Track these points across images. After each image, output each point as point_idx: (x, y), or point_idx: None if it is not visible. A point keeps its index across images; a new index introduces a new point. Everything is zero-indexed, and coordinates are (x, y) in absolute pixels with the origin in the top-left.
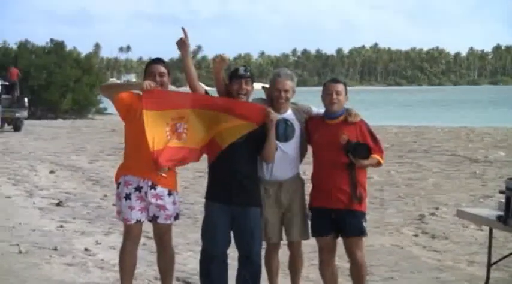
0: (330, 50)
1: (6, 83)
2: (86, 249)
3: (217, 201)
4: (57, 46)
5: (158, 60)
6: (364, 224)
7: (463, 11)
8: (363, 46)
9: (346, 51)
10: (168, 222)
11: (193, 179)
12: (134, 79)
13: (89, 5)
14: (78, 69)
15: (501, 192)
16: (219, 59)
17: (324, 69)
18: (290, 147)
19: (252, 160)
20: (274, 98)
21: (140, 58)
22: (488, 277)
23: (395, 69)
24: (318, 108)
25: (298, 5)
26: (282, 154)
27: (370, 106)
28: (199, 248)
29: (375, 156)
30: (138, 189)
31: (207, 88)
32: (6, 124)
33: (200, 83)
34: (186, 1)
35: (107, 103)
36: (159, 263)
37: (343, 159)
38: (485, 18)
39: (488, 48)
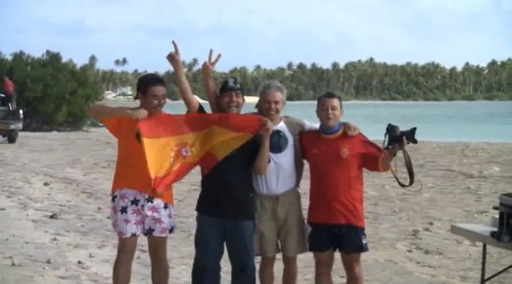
0: (325, 64)
1: (2, 95)
2: (79, 262)
3: (208, 215)
4: (53, 58)
5: (159, 81)
6: (364, 240)
7: (459, 26)
8: (359, 60)
9: (342, 65)
10: (163, 235)
11: (188, 192)
12: (130, 92)
13: (85, 16)
14: (73, 81)
15: (495, 208)
16: (205, 66)
17: (319, 83)
18: (284, 158)
19: (245, 172)
20: (265, 110)
21: (136, 70)
22: None
23: (391, 83)
24: (311, 122)
25: (294, 17)
26: (275, 166)
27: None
28: (193, 261)
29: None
30: (135, 202)
31: (202, 101)
32: (0, 136)
33: (195, 96)
34: (182, 13)
35: None
36: (153, 277)
37: (344, 173)
38: (481, 33)
39: (483, 63)
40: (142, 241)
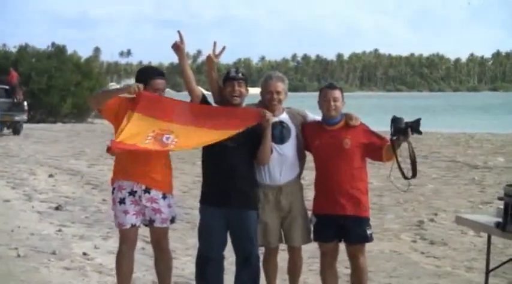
0: (330, 55)
1: (6, 87)
2: (84, 253)
3: (212, 205)
4: (58, 50)
5: (161, 74)
6: (369, 231)
7: (463, 17)
8: (364, 51)
9: (346, 56)
10: (164, 225)
11: (192, 183)
12: None
13: (89, 8)
14: (78, 73)
15: (500, 198)
16: (209, 58)
17: (324, 74)
18: (287, 148)
19: (249, 163)
20: (267, 101)
21: (140, 62)
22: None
23: (396, 74)
24: (314, 113)
25: (299, 9)
26: (279, 157)
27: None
28: (197, 252)
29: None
30: (132, 193)
31: (206, 92)
32: (5, 128)
33: (198, 87)
34: (187, 5)
35: None
36: (156, 268)
37: (348, 164)
38: (485, 24)
39: (488, 54)
40: (146, 232)
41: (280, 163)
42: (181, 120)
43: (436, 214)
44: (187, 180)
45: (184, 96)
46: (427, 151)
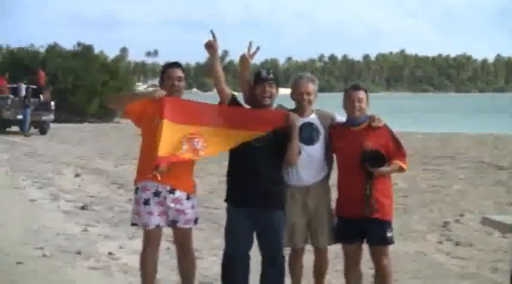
0: (356, 55)
1: (34, 86)
2: (109, 253)
3: (238, 205)
4: (85, 50)
5: (176, 64)
6: (389, 234)
7: (490, 17)
8: (390, 52)
9: (373, 57)
10: (187, 226)
11: (218, 184)
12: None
13: (115, 9)
14: (105, 73)
15: None
16: (243, 58)
17: (350, 75)
18: (315, 150)
19: (276, 164)
20: (297, 101)
21: (167, 62)
22: None
23: (422, 75)
24: (339, 114)
25: (324, 10)
26: (307, 158)
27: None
28: (223, 252)
29: (397, 162)
30: (157, 194)
31: (233, 93)
32: (32, 127)
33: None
34: (212, 7)
35: None
36: (180, 268)
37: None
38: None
39: None
40: (171, 231)
41: (309, 164)
42: (207, 122)
43: (462, 215)
44: (214, 180)
45: (211, 96)
46: (454, 152)
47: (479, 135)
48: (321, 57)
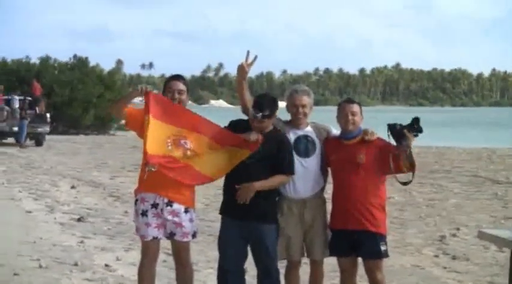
0: (352, 69)
1: (30, 98)
2: (106, 265)
3: (232, 218)
4: (81, 62)
5: (178, 77)
6: (383, 247)
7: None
8: (385, 66)
9: (368, 70)
10: (185, 240)
11: (214, 196)
12: None
13: (108, 22)
14: (100, 85)
15: None
16: (241, 67)
17: (346, 88)
18: (312, 162)
19: (269, 177)
20: (292, 114)
21: (162, 75)
22: None
23: (417, 89)
24: (334, 128)
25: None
26: (304, 170)
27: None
28: (217, 265)
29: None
30: (155, 205)
31: (229, 106)
32: (28, 139)
33: (222, 101)
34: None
35: None
36: (177, 281)
37: (362, 179)
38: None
39: (510, 69)
40: (169, 244)
41: (305, 177)
42: (190, 127)
43: (458, 229)
44: (210, 192)
45: (206, 109)
46: (449, 166)
47: (475, 149)
48: (316, 71)
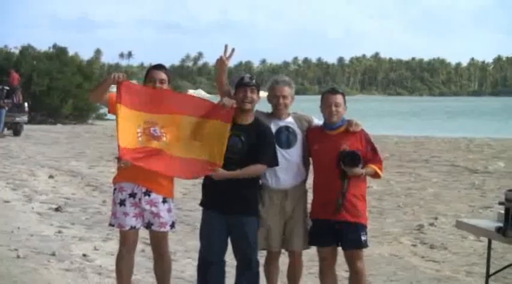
0: (331, 58)
1: (7, 88)
2: (84, 255)
3: (213, 210)
4: (60, 52)
5: (159, 66)
6: (363, 237)
7: (464, 21)
8: (364, 55)
9: (347, 60)
10: (163, 230)
11: (192, 186)
12: None
13: (89, 10)
14: (79, 74)
15: (500, 203)
16: (220, 61)
17: (325, 77)
18: (293, 153)
19: None
20: (273, 105)
21: (141, 64)
22: None
23: (396, 78)
24: (318, 118)
25: (299, 13)
26: (285, 162)
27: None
28: (198, 255)
29: (372, 167)
30: (132, 195)
31: (208, 96)
32: (6, 129)
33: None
34: (187, 8)
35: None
36: (155, 270)
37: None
38: (486, 29)
39: (489, 59)
40: (147, 234)
41: (287, 167)
42: (167, 110)
43: (436, 218)
44: (188, 182)
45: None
46: (428, 155)
47: (453, 139)
48: (295, 60)
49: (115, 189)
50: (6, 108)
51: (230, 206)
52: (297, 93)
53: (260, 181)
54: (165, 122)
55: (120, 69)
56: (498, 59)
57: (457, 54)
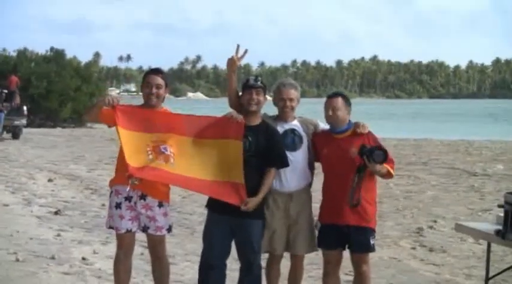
0: (329, 61)
1: (6, 91)
2: (83, 258)
3: (218, 212)
4: (57, 55)
5: (156, 71)
6: (372, 241)
7: (463, 24)
8: (363, 58)
9: (345, 63)
10: (159, 234)
11: None
12: (134, 89)
13: (87, 13)
14: (77, 78)
15: (500, 206)
16: (231, 60)
17: (323, 80)
18: (299, 156)
19: (259, 173)
20: (280, 108)
21: (140, 67)
22: None
23: (395, 81)
24: (323, 122)
25: (297, 16)
26: (290, 164)
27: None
28: (197, 258)
29: (385, 166)
30: (128, 198)
31: (207, 98)
32: (4, 132)
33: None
34: (184, 12)
35: None
36: (153, 274)
37: (353, 173)
38: (484, 31)
39: (487, 61)
40: (145, 237)
41: (292, 170)
42: (165, 129)
43: (435, 221)
44: None
45: (183, 101)
46: (427, 158)
47: (452, 141)
48: (294, 63)
49: (111, 192)
50: (5, 112)
51: (234, 209)
52: None
53: None
54: (172, 142)
55: (119, 73)
56: (497, 62)
57: (456, 57)
